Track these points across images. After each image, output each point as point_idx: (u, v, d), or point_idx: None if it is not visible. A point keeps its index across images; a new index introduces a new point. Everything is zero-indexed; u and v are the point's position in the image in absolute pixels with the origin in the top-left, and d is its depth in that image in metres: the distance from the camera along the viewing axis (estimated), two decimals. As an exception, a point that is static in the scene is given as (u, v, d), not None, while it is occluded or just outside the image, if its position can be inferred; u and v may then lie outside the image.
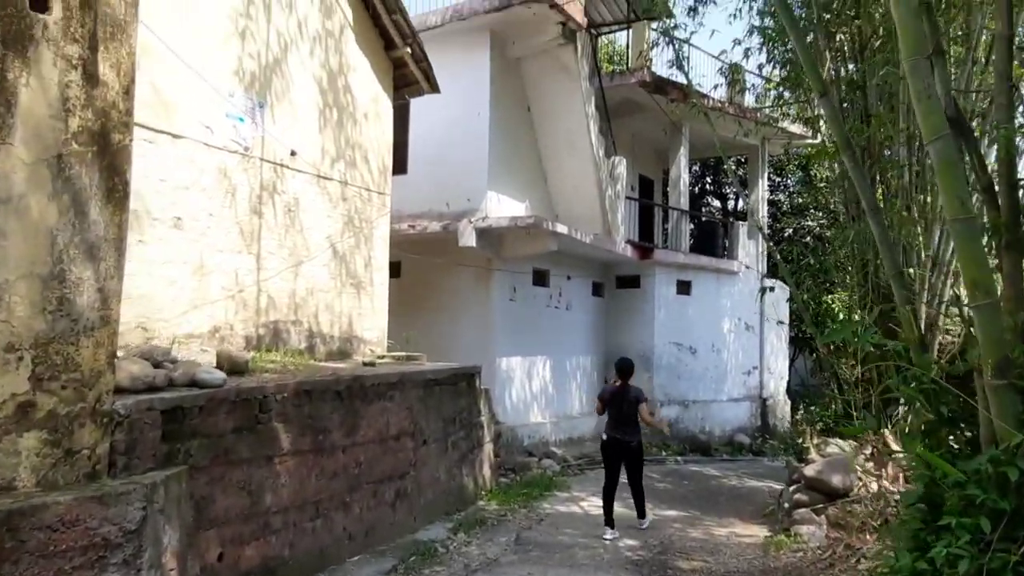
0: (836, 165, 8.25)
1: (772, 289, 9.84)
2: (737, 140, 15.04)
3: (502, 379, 11.41)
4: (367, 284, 8.89)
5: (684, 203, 14.76)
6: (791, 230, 16.95)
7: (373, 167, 9.16)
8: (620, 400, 7.24)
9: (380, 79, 9.30)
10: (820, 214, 16.96)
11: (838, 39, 8.20)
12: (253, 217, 7.42)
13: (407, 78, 9.82)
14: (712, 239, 15.40)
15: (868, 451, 6.84)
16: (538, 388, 12.35)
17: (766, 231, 16.15)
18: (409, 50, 9.40)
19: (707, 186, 20.72)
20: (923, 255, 7.26)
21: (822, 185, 16.98)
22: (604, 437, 7.28)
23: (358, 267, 8.77)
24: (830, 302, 16.49)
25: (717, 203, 21.10)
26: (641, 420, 7.23)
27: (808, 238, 16.84)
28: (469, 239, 10.69)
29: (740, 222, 15.64)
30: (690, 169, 15.67)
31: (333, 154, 8.50)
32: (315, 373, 5.80)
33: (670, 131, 15.33)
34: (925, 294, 7.02)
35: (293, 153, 7.93)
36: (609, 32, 16.09)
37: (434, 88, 10.01)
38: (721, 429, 15.00)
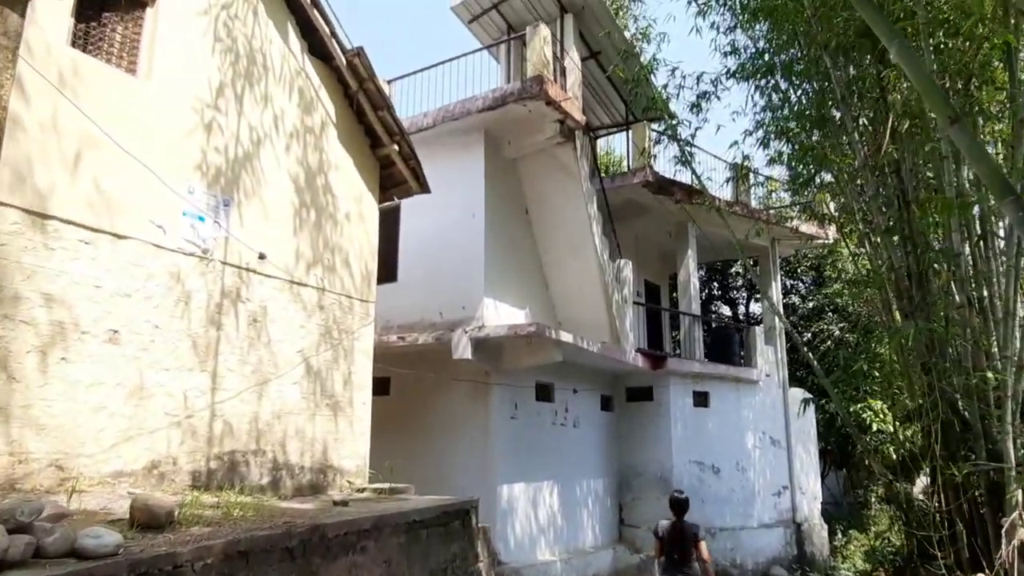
0: (879, 257, 7.31)
1: (810, 402, 8.62)
2: (747, 241, 14.30)
3: (503, 510, 9.97)
4: (346, 404, 7.73)
5: (695, 307, 13.81)
6: (809, 335, 15.96)
7: (355, 272, 8.23)
8: (677, 537, 6.81)
9: (365, 178, 8.56)
10: (836, 317, 15.97)
11: (861, 122, 7.52)
12: (210, 329, 6.38)
13: (395, 178, 9.10)
14: (728, 346, 14.35)
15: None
16: (545, 519, 10.86)
17: (784, 336, 15.11)
18: (396, 147, 8.72)
19: (714, 291, 19.90)
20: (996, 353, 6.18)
21: (837, 286, 16.10)
22: None
23: (336, 385, 7.63)
24: (860, 411, 15.16)
25: (726, 309, 20.19)
26: (698, 560, 6.67)
27: (829, 342, 15.79)
28: (464, 351, 9.61)
29: (756, 327, 14.62)
30: (697, 273, 14.82)
31: (309, 258, 7.59)
32: (264, 523, 4.56)
33: (676, 232, 14.62)
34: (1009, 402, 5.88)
35: (262, 256, 7.01)
36: (607, 134, 15.75)
37: (424, 188, 9.27)
38: (754, 561, 13.27)
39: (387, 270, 11.30)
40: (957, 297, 6.17)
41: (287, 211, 7.42)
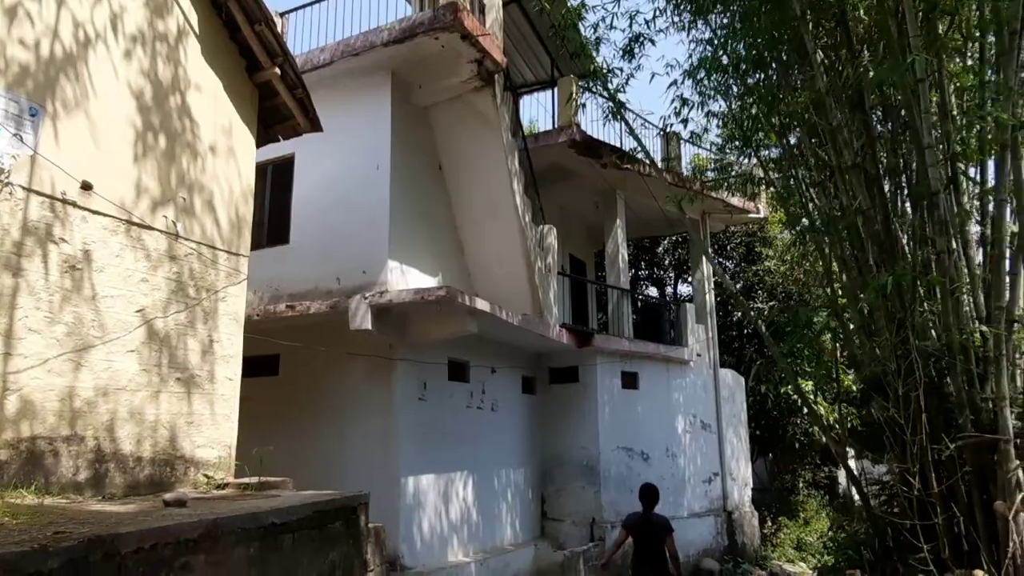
0: (841, 200, 6.33)
1: (758, 368, 7.67)
2: (677, 213, 13.41)
3: (408, 506, 8.60)
4: (205, 380, 6.18)
5: (624, 281, 12.79)
6: (739, 314, 15.29)
7: (222, 218, 6.67)
8: (646, 531, 6.66)
9: (238, 106, 6.99)
10: (766, 295, 15.35)
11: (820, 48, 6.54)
12: (3, 275, 4.75)
13: (279, 112, 7.56)
14: (658, 324, 13.44)
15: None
16: (458, 515, 9.56)
17: (715, 315, 14.34)
18: (279, 72, 7.18)
19: (641, 271, 19.08)
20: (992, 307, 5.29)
21: (769, 263, 15.49)
22: (631, 570, 6.73)
23: (191, 355, 6.08)
24: (790, 392, 14.59)
25: (654, 290, 19.46)
26: (669, 557, 6.54)
27: (759, 322, 15.13)
28: (363, 320, 8.18)
29: (688, 304, 13.77)
30: (626, 245, 13.82)
31: (157, 195, 6.00)
32: (24, 535, 3.07)
33: (603, 202, 13.58)
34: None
35: (86, 186, 5.39)
36: (530, 92, 14.54)
37: (315, 126, 7.75)
38: (684, 553, 12.34)
39: (277, 230, 9.74)
40: (937, 242, 5.26)
41: (126, 133, 5.81)
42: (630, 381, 12.43)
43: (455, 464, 9.61)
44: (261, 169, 10.25)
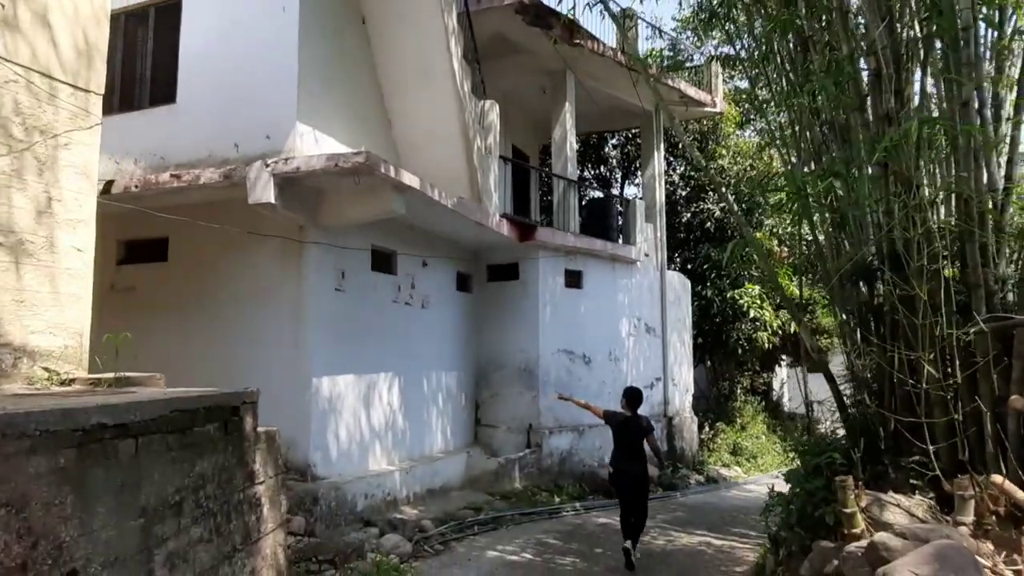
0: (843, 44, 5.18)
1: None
2: (628, 104, 12.21)
3: (322, 411, 7.52)
4: (41, 249, 4.78)
5: (571, 171, 11.62)
6: (689, 215, 14.45)
7: (64, 41, 5.09)
8: (628, 430, 6.85)
9: None
10: (718, 197, 14.49)
11: None
12: None
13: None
14: (605, 220, 12.43)
15: (972, 516, 3.76)
16: (381, 420, 8.57)
17: (664, 214, 13.42)
18: None
19: (587, 170, 17.93)
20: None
21: (726, 161, 14.56)
22: (611, 470, 7.04)
23: (17, 216, 4.65)
24: (737, 297, 13.99)
25: (599, 194, 18.38)
26: (651, 449, 6.93)
27: (709, 224, 14.36)
28: (265, 191, 6.79)
29: (637, 200, 12.76)
30: (575, 133, 12.56)
31: (-43, -6, 4.38)
32: None
33: (553, 84, 12.21)
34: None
35: None
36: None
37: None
38: (623, 459, 11.88)
39: (161, 87, 8.12)
40: (963, 88, 4.27)
41: None
42: (574, 280, 11.49)
43: (378, 365, 8.53)
44: (141, 12, 8.46)
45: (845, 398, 5.87)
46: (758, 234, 14.65)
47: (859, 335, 5.54)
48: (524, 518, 8.83)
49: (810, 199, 5.43)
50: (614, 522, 9.08)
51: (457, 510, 8.55)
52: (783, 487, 5.87)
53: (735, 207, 8.16)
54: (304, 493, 6.95)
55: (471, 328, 11.06)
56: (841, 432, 5.96)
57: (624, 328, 12.28)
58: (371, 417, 8.28)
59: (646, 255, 12.81)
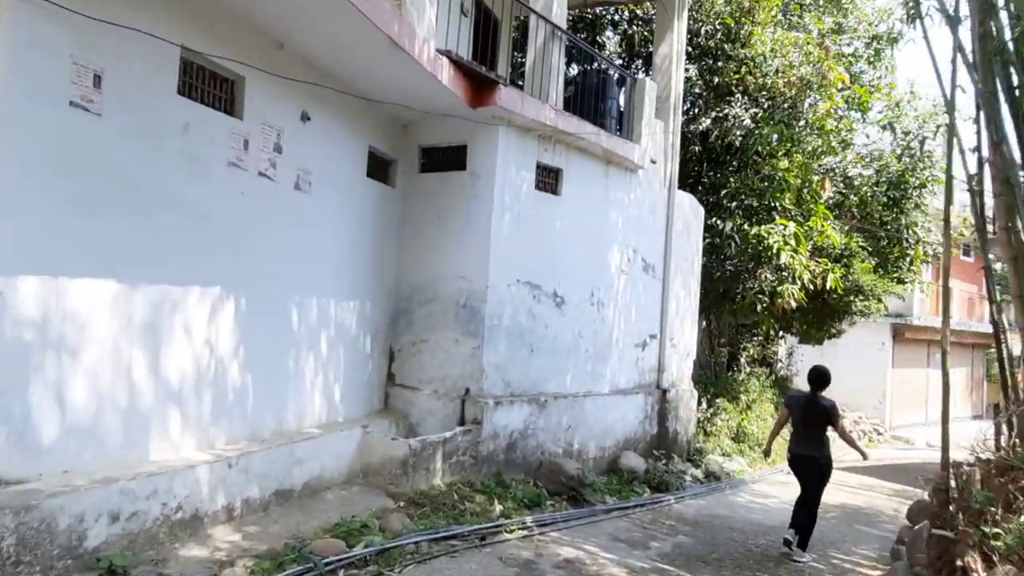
0: None
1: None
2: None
3: (18, 346, 3.70)
4: None
5: (559, 15, 7.69)
6: (708, 121, 10.71)
7: None
8: (807, 411, 6.15)
9: None
10: (747, 100, 10.75)
11: None
12: None
13: None
14: (601, 100, 8.60)
15: None
16: (185, 372, 4.77)
17: (680, 110, 9.64)
18: None
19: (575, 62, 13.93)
20: None
21: (765, 48, 10.76)
22: (788, 451, 6.31)
23: None
24: (764, 235, 10.42)
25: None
26: (841, 438, 6.31)
27: (736, 133, 10.62)
28: None
29: (647, 80, 8.93)
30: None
31: None
32: None
33: None
34: None
35: None
36: None
37: None
38: (599, 446, 8.36)
39: None
40: None
41: None
42: (549, 180, 7.75)
43: (185, 270, 4.71)
44: None
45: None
46: (797, 157, 11.07)
47: None
48: (436, 547, 5.23)
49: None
50: (587, 554, 5.61)
51: (317, 534, 4.89)
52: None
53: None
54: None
55: (388, 237, 7.31)
56: None
57: (615, 260, 8.63)
58: (159, 365, 4.49)
59: (652, 162, 9.09)
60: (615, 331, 8.69)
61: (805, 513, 6.16)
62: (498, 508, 6.28)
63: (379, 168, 7.15)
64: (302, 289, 5.96)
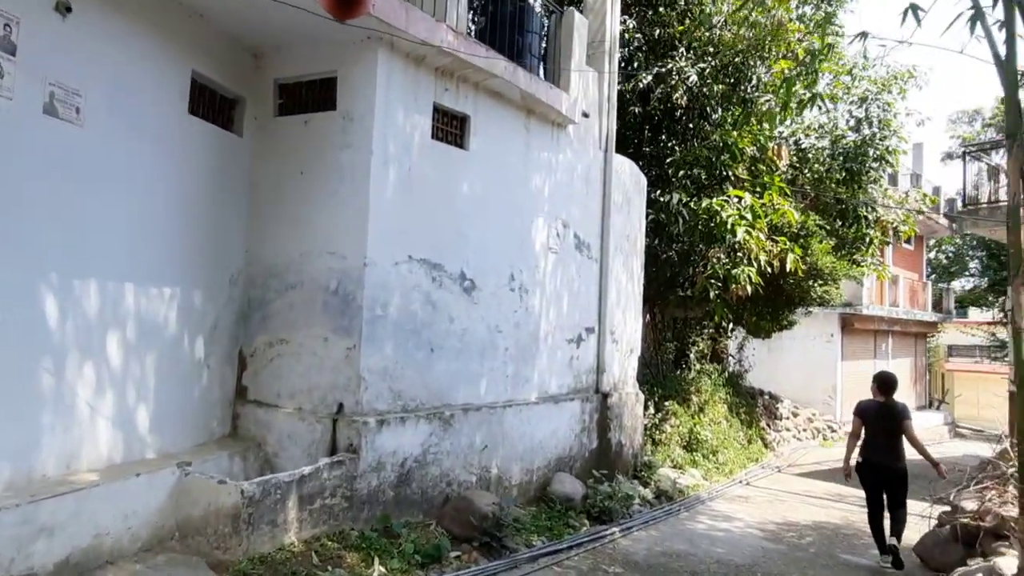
0: None
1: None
2: None
3: None
4: None
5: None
6: (650, 77, 9.14)
7: None
8: (884, 418, 6.00)
9: None
10: (693, 55, 9.24)
11: None
12: None
13: None
14: (520, 33, 6.89)
15: None
16: None
17: (616, 62, 8.03)
18: None
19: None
20: None
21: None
22: (860, 459, 6.07)
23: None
24: (718, 208, 8.91)
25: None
26: (911, 444, 5.92)
27: (680, 92, 9.06)
28: None
29: (576, 12, 7.25)
30: None
31: None
32: None
33: None
34: None
35: None
36: None
37: None
38: (525, 469, 6.63)
39: None
40: None
41: None
42: (452, 130, 5.99)
43: None
44: None
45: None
46: (751, 121, 9.62)
47: None
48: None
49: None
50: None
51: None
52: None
53: None
54: None
55: (233, 203, 5.41)
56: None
57: (540, 236, 6.94)
58: None
59: (585, 115, 7.44)
60: (543, 324, 6.99)
61: (900, 514, 5.92)
62: (378, 572, 4.47)
63: (214, 107, 5.24)
64: (70, 268, 4.01)
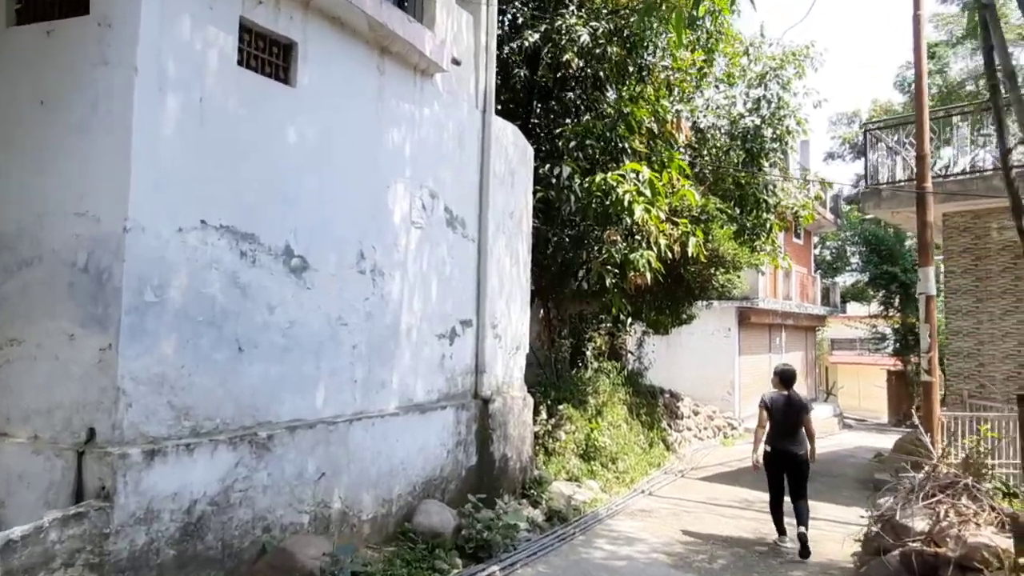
0: None
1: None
2: None
3: None
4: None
5: None
6: (537, 36, 7.99)
7: None
8: (788, 409, 6.36)
9: None
10: (585, 12, 8.16)
11: None
12: None
13: None
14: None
15: None
16: None
17: (494, 8, 6.80)
18: None
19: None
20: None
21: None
22: (768, 449, 6.36)
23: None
24: (613, 183, 7.83)
25: None
26: (807, 435, 6.35)
27: (571, 55, 7.90)
28: None
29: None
30: None
31: None
32: None
33: None
34: None
35: None
36: None
37: None
38: (381, 499, 5.24)
39: None
40: None
41: None
42: (272, 58, 4.55)
43: None
44: None
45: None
46: (648, 89, 8.64)
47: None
48: None
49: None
50: None
51: None
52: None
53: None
54: None
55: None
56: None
57: (401, 206, 5.57)
58: None
59: (456, 63, 6.14)
60: (405, 315, 5.63)
61: (803, 505, 6.23)
62: None
63: None
64: None
